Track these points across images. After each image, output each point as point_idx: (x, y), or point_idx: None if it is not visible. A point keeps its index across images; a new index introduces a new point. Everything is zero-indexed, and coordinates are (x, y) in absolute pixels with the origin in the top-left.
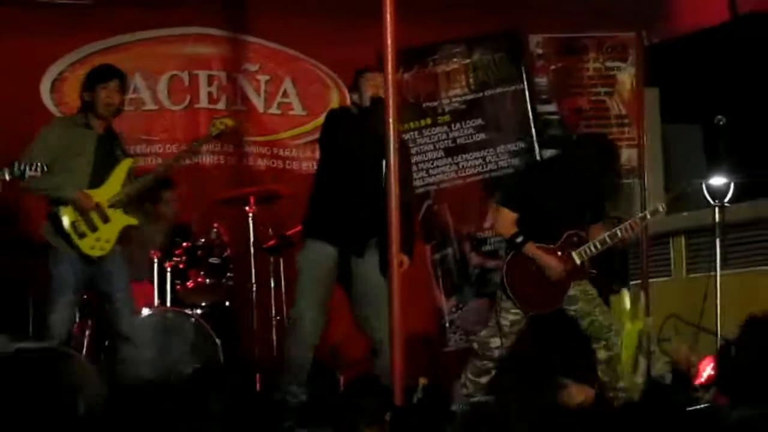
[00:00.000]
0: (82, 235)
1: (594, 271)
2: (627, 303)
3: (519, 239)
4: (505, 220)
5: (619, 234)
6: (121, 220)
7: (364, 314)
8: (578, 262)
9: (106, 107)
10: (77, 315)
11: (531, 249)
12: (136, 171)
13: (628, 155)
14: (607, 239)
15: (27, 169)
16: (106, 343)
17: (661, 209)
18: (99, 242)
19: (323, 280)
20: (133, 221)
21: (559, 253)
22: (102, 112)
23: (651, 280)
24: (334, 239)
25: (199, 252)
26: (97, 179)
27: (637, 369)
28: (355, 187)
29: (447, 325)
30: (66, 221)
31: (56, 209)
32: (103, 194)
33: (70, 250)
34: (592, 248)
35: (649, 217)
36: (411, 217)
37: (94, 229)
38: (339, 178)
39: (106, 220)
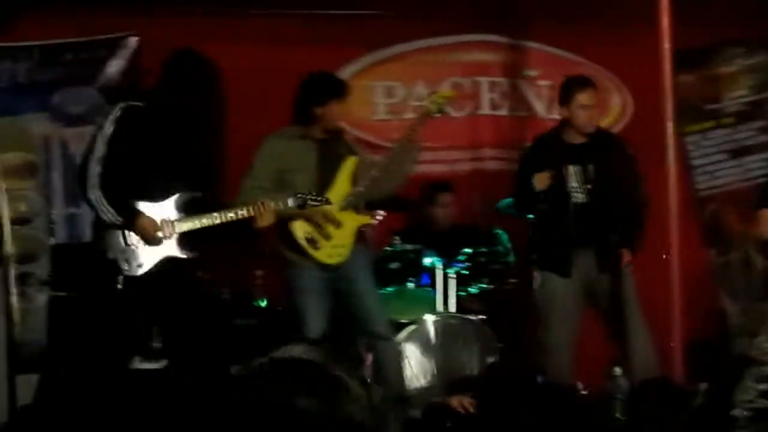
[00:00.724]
0: (317, 247)
1: None
2: None
3: None
4: (767, 221)
5: None
6: (354, 221)
7: (618, 325)
8: None
9: (334, 122)
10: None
11: None
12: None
13: None
14: None
15: (309, 200)
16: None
17: None
18: (336, 249)
19: (565, 310)
20: (367, 220)
21: None
22: (331, 127)
23: None
24: (562, 270)
25: (481, 258)
26: (323, 185)
27: None
28: (564, 215)
29: (733, 329)
30: (299, 235)
31: (287, 225)
32: (332, 199)
33: (309, 262)
34: None
35: None
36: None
37: (328, 237)
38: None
39: (338, 225)
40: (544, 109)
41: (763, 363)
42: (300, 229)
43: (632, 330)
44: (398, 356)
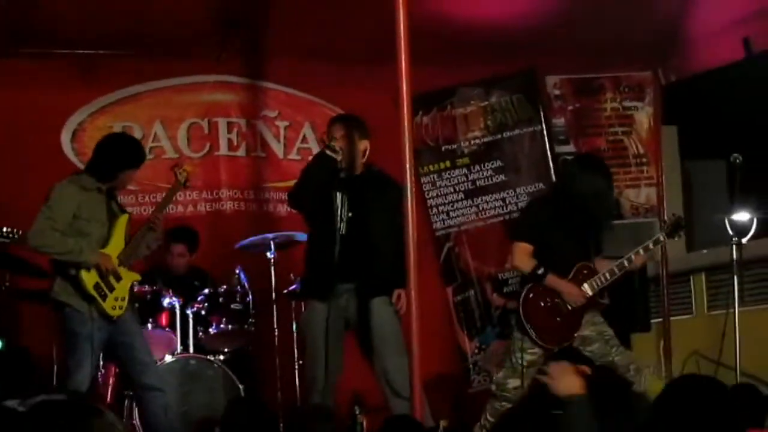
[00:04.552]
0: (104, 297)
1: (605, 302)
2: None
3: (540, 271)
4: (522, 254)
5: (626, 264)
6: (128, 276)
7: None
8: (590, 293)
9: (123, 189)
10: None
11: (552, 280)
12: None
13: (647, 194)
14: (615, 270)
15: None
16: (129, 391)
17: (662, 238)
18: (117, 301)
19: (322, 337)
20: (137, 277)
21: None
22: (119, 190)
23: (673, 318)
24: (320, 294)
25: (220, 298)
26: (108, 238)
27: None
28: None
29: (470, 366)
30: (89, 284)
31: (76, 272)
32: (112, 252)
33: (93, 311)
34: (602, 279)
35: (651, 247)
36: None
37: (111, 289)
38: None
39: (119, 278)
40: (282, 149)
41: (503, 398)
42: (90, 278)
43: (391, 368)
44: (166, 406)
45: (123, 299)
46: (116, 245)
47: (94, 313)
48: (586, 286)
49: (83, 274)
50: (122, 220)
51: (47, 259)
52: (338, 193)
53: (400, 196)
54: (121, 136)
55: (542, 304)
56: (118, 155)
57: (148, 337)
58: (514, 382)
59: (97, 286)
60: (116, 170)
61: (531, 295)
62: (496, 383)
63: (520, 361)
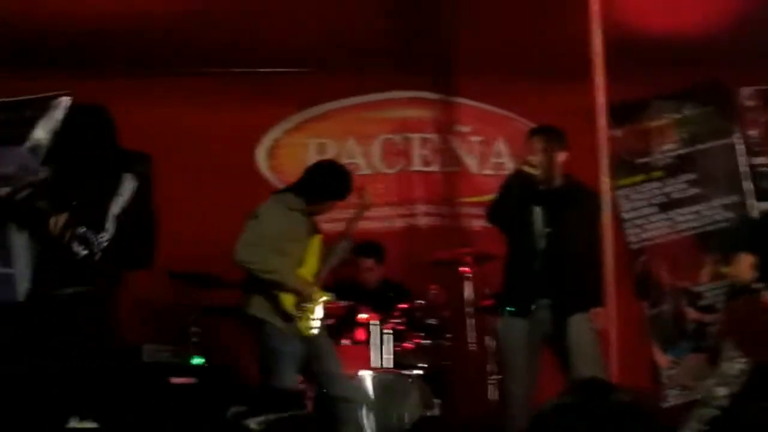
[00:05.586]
0: (303, 317)
1: None
2: None
3: (759, 285)
4: (746, 264)
5: None
6: (321, 296)
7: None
8: None
9: (322, 215)
10: None
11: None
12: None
13: None
14: None
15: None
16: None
17: None
18: (314, 322)
19: (522, 352)
20: (329, 296)
21: None
22: (318, 215)
23: None
24: (521, 311)
25: (416, 313)
26: (302, 258)
27: None
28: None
29: (664, 381)
30: (289, 305)
31: (277, 292)
32: (307, 273)
33: (292, 330)
34: None
35: None
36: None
37: (308, 310)
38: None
39: (314, 300)
40: (476, 164)
41: (711, 405)
42: (289, 299)
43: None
44: (359, 417)
45: (318, 319)
46: (311, 265)
47: (292, 330)
48: None
49: (282, 295)
50: (316, 241)
51: (242, 274)
52: (537, 208)
53: (598, 209)
54: (336, 167)
55: (755, 316)
56: (331, 184)
57: (344, 353)
58: (723, 390)
59: (296, 306)
60: (325, 198)
61: (744, 306)
62: (704, 390)
63: (729, 371)
